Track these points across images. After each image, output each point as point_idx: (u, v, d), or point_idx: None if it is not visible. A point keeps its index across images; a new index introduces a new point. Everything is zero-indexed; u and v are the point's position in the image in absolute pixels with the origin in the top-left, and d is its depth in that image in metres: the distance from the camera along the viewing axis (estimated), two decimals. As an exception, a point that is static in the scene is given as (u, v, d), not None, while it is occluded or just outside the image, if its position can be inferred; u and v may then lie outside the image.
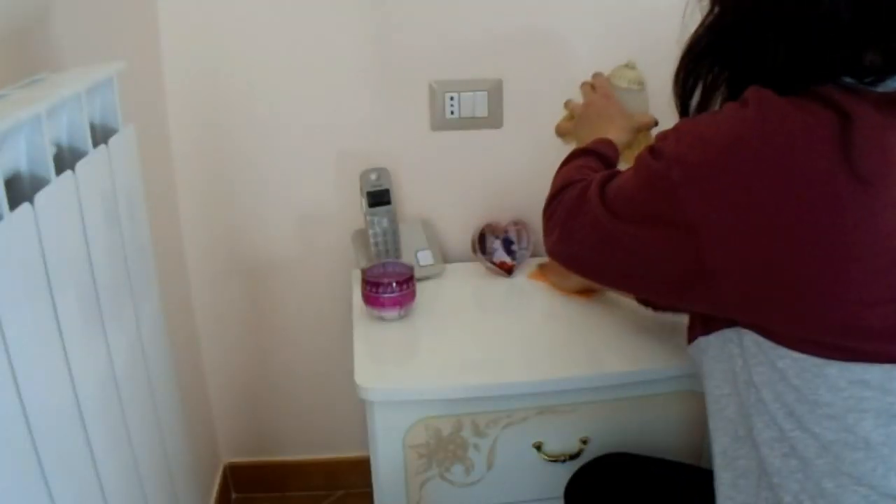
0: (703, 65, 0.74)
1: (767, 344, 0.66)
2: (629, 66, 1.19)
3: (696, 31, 0.74)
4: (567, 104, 1.15)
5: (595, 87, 1.11)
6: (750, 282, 0.63)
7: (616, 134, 1.01)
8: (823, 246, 0.60)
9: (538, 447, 1.10)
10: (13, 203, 0.56)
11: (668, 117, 0.80)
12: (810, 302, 0.61)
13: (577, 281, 1.24)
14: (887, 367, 0.61)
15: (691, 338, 0.77)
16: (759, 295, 0.64)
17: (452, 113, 1.35)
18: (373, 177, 1.33)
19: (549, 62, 1.34)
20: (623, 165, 0.91)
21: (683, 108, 0.77)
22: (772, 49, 0.67)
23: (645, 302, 1.05)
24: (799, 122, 0.62)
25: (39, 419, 0.58)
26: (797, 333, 0.63)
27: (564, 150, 1.04)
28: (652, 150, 0.72)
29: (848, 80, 0.64)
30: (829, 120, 0.61)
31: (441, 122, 1.36)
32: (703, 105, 0.75)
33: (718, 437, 0.75)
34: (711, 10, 0.72)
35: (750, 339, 0.68)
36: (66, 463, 0.64)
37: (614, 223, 0.74)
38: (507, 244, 1.38)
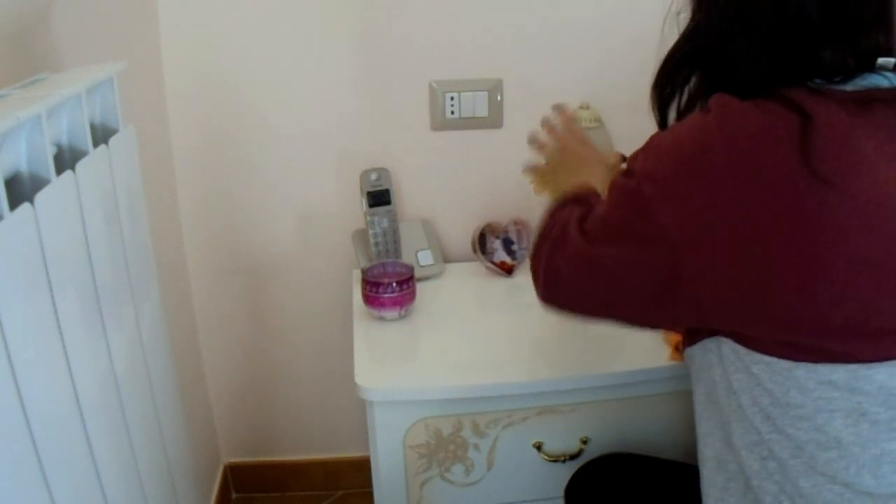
0: (679, 73, 0.75)
1: (743, 350, 0.67)
2: (583, 106, 1.30)
3: (675, 42, 0.75)
4: (534, 168, 1.12)
5: (566, 129, 1.08)
6: (726, 288, 0.64)
7: (596, 177, 0.98)
8: (789, 248, 0.60)
9: (538, 447, 1.10)
10: (13, 203, 0.56)
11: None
12: (781, 303, 0.62)
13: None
14: (852, 367, 0.62)
15: (683, 348, 0.79)
16: (735, 300, 0.64)
17: (453, 113, 1.35)
18: (373, 177, 1.33)
19: (549, 62, 1.34)
20: None
21: (662, 120, 0.79)
22: (742, 51, 0.68)
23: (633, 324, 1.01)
24: (759, 125, 0.63)
25: (39, 419, 0.58)
26: (770, 336, 0.65)
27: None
28: (624, 171, 0.73)
29: (817, 81, 0.65)
30: (789, 121, 0.61)
31: (441, 122, 1.36)
32: (682, 116, 0.76)
33: (711, 442, 0.76)
34: (690, 20, 0.74)
35: (728, 346, 0.69)
36: (66, 462, 0.64)
37: (594, 249, 0.75)
38: (507, 244, 1.38)
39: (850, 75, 0.65)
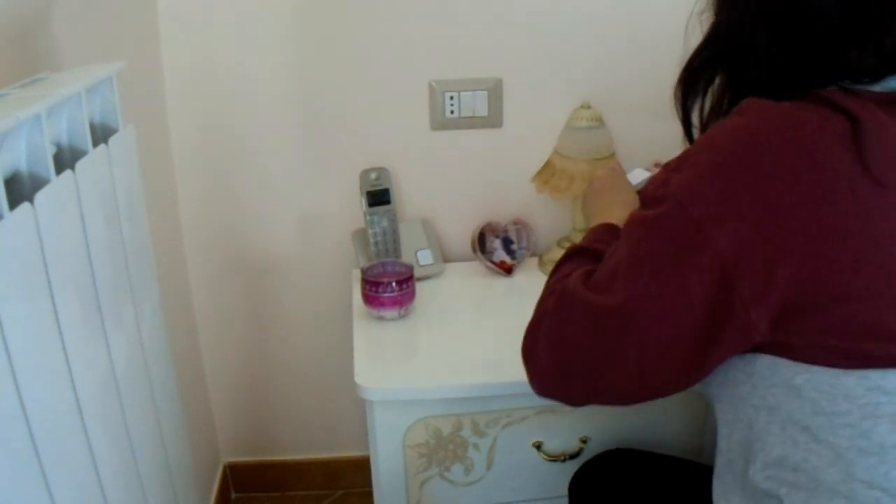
0: (702, 74, 0.73)
1: (784, 363, 0.63)
2: (585, 106, 1.29)
3: (699, 44, 0.73)
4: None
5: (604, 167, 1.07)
6: (786, 300, 0.61)
7: (619, 212, 0.91)
8: (852, 252, 0.59)
9: (538, 446, 1.10)
10: (13, 202, 0.56)
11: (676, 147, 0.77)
12: (842, 309, 0.60)
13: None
14: None
15: None
16: (794, 311, 0.61)
17: (452, 112, 1.35)
18: (373, 176, 1.33)
19: (549, 61, 1.34)
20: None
21: (686, 119, 0.76)
22: (764, 52, 0.66)
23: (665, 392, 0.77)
24: (810, 123, 0.60)
25: (39, 418, 0.58)
26: (821, 342, 0.61)
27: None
28: (647, 202, 0.66)
29: (846, 82, 0.63)
30: (838, 121, 0.60)
31: (441, 122, 1.36)
32: (708, 119, 0.74)
33: (734, 458, 0.71)
34: (712, 21, 0.72)
35: (764, 362, 0.64)
36: (66, 462, 0.64)
37: (613, 301, 0.66)
38: (507, 244, 1.38)
39: (878, 76, 0.63)
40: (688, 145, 0.72)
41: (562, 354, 0.71)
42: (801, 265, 0.60)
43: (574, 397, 0.74)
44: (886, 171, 0.59)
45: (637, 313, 0.65)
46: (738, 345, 0.64)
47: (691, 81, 0.74)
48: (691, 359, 0.65)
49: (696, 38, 0.74)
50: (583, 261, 0.81)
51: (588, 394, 0.72)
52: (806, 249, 0.59)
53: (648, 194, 0.67)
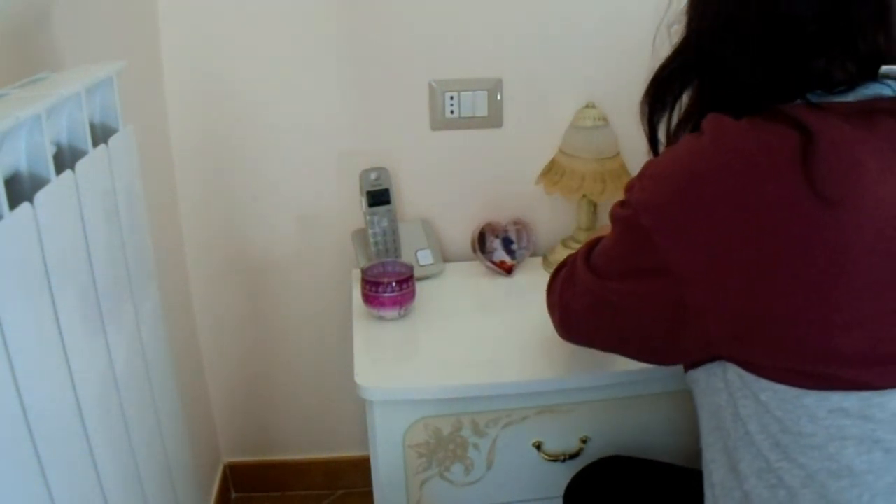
0: (671, 88, 0.72)
1: (750, 377, 0.64)
2: (589, 105, 1.30)
3: (668, 56, 0.72)
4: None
5: None
6: (734, 317, 0.62)
7: None
8: (796, 275, 0.58)
9: (538, 447, 1.10)
10: (13, 202, 0.56)
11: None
12: (788, 330, 0.60)
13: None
14: (865, 394, 0.59)
15: (685, 368, 0.75)
16: (743, 328, 0.62)
17: (452, 112, 1.35)
18: (372, 176, 1.33)
19: (549, 61, 1.34)
20: None
21: (652, 135, 0.75)
22: (735, 63, 0.65)
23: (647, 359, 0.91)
24: (757, 145, 0.60)
25: (39, 418, 0.58)
26: (778, 363, 0.62)
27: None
28: (621, 202, 0.70)
29: (818, 92, 0.62)
30: (789, 139, 0.58)
31: (441, 122, 1.36)
32: (674, 133, 0.73)
33: (716, 469, 0.72)
34: (683, 33, 0.71)
35: (733, 372, 0.66)
36: (66, 462, 0.64)
37: (600, 284, 0.73)
38: (507, 244, 1.38)
39: (851, 85, 0.62)
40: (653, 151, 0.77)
41: (569, 317, 0.83)
42: (748, 289, 0.60)
43: (581, 343, 0.87)
44: (835, 189, 0.57)
45: (618, 305, 0.72)
46: (699, 350, 0.68)
47: (659, 95, 0.73)
48: (667, 346, 0.71)
49: (665, 51, 0.72)
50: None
51: (590, 344, 0.85)
52: (750, 275, 0.59)
53: (626, 192, 0.71)
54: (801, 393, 0.61)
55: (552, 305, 0.87)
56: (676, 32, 0.71)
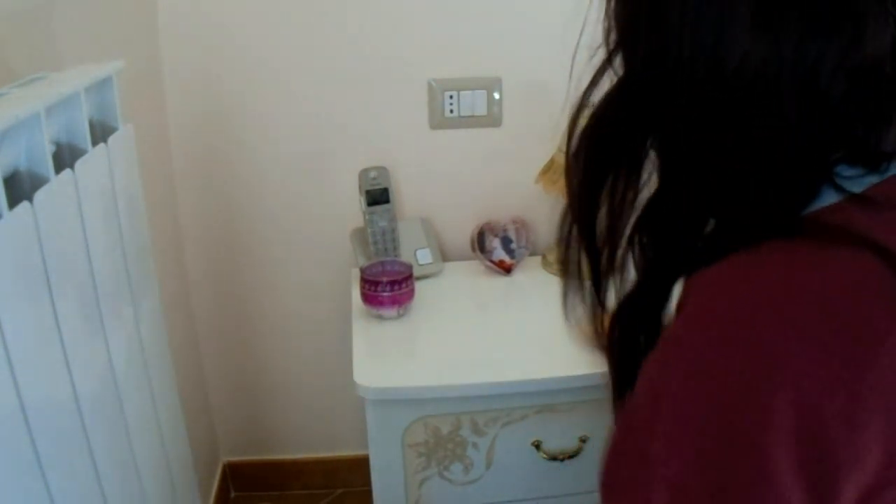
0: (619, 148, 0.46)
1: None
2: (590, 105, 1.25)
3: (607, 92, 0.46)
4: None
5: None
6: None
7: None
8: None
9: (537, 446, 1.10)
10: (12, 201, 0.56)
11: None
12: None
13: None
14: None
15: None
16: None
17: (451, 111, 1.35)
18: (372, 175, 1.33)
19: (548, 60, 1.34)
20: None
21: (593, 257, 0.49)
22: (729, 141, 0.40)
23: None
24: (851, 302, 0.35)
25: (38, 418, 0.58)
26: None
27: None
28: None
29: (842, 169, 0.39)
30: (876, 271, 0.35)
31: (440, 121, 1.36)
32: (613, 229, 0.46)
33: None
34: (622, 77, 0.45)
35: None
36: (65, 461, 0.64)
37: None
38: (506, 243, 1.38)
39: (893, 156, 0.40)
40: (597, 307, 0.51)
41: None
42: None
43: None
44: None
45: None
46: None
47: (599, 154, 0.45)
48: None
49: (589, 76, 0.48)
50: None
51: None
52: None
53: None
54: None
55: None
56: (618, 68, 0.46)
